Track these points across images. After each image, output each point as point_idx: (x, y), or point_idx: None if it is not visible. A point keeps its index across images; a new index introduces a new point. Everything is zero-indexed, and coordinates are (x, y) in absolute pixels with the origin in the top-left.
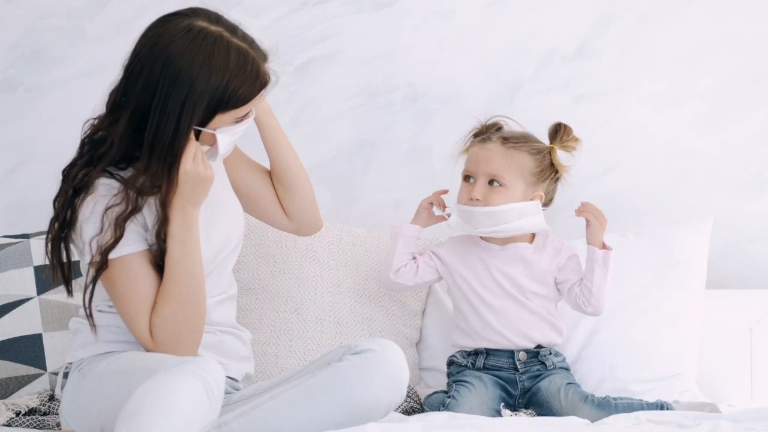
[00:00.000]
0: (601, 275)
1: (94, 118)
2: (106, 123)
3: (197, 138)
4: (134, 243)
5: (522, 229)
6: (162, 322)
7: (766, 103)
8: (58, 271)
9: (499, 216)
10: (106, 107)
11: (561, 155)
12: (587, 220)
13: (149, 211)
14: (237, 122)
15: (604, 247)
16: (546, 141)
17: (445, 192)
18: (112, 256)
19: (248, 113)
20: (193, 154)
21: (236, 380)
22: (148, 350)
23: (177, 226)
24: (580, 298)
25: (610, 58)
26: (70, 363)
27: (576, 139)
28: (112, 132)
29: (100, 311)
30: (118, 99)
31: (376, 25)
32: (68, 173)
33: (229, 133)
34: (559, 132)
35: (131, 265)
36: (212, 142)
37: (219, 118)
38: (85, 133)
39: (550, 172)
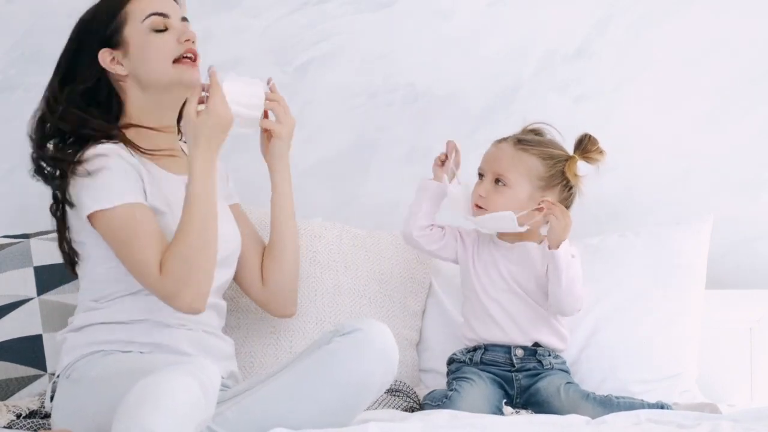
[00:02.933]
0: (553, 275)
1: None
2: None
3: None
4: (137, 194)
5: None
6: (173, 255)
7: (766, 103)
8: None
9: (476, 223)
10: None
11: (582, 166)
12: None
13: (150, 178)
14: (158, 32)
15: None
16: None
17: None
18: (120, 201)
19: (166, 22)
20: (220, 98)
21: (222, 377)
22: (153, 290)
23: (200, 158)
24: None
25: (610, 58)
26: (58, 375)
27: (601, 152)
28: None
29: (85, 310)
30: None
31: (376, 25)
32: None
33: (233, 82)
34: (583, 142)
35: (139, 210)
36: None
37: (129, 31)
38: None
39: (561, 179)
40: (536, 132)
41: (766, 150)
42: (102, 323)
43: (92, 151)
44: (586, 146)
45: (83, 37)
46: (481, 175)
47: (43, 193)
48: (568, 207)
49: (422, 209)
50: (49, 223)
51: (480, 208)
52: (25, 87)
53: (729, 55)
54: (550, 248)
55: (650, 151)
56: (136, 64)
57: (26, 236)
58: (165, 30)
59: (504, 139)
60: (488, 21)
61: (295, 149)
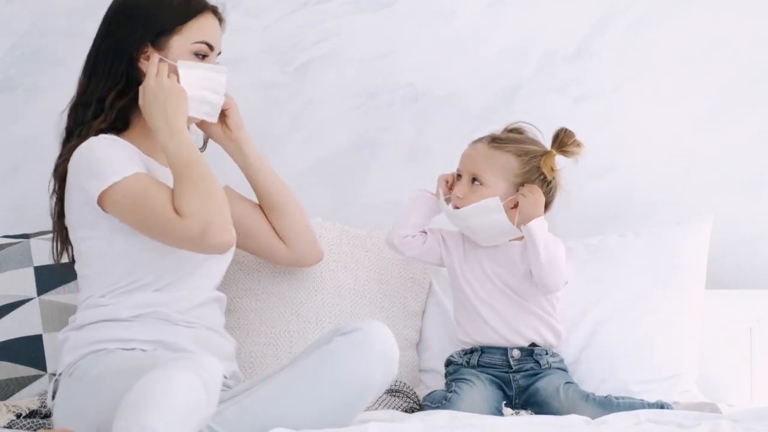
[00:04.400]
0: (531, 250)
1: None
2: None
3: None
4: (139, 167)
5: (489, 228)
6: (181, 196)
7: (766, 103)
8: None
9: (462, 217)
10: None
11: (560, 160)
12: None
13: (150, 162)
14: (197, 57)
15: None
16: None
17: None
18: (127, 173)
19: (208, 52)
20: (155, 72)
21: (224, 377)
22: (181, 237)
23: (164, 133)
24: None
25: (610, 58)
26: (60, 374)
27: (578, 144)
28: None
29: (87, 308)
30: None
31: (376, 25)
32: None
33: (191, 68)
34: (559, 136)
35: (144, 176)
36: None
37: (176, 43)
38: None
39: (538, 174)
40: (515, 131)
41: (766, 150)
42: (104, 321)
43: (87, 142)
44: (562, 140)
45: (135, 20)
46: (459, 176)
47: (43, 193)
48: (549, 202)
49: (410, 221)
50: (49, 223)
51: (458, 209)
52: (25, 87)
53: (729, 55)
54: (523, 224)
55: (650, 151)
56: None
57: (26, 236)
58: (203, 59)
59: (479, 139)
60: (488, 21)
61: (295, 149)
